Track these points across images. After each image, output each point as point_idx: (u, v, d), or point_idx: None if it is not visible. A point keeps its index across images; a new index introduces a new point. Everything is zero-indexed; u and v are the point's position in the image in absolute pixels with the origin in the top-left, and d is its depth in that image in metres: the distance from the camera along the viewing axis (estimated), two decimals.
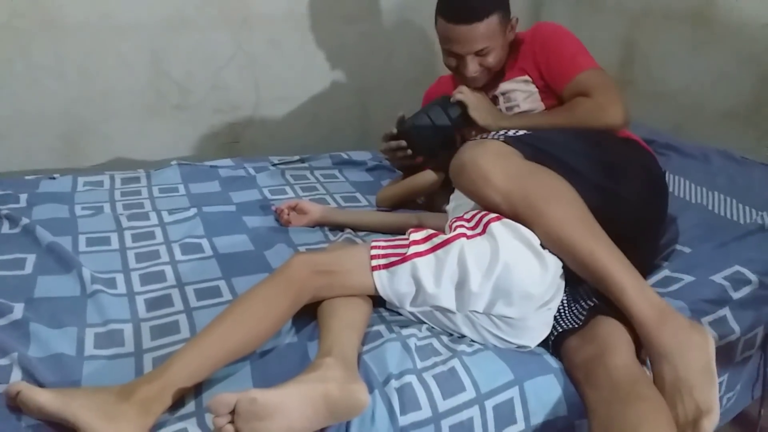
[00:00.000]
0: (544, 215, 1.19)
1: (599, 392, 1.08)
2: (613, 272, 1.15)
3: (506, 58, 1.70)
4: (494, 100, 1.75)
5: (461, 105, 1.69)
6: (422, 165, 1.83)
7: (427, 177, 1.75)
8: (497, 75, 1.72)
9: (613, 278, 1.15)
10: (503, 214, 1.24)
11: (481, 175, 1.24)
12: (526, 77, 1.69)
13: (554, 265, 1.21)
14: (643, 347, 1.15)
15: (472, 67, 1.64)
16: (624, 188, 1.32)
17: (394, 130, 1.79)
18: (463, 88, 1.69)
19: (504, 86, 1.72)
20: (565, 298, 1.26)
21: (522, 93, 1.70)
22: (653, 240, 1.48)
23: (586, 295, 1.25)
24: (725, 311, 1.28)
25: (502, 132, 1.33)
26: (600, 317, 1.20)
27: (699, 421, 1.06)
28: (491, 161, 1.24)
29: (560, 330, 1.23)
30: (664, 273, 1.40)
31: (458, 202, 1.45)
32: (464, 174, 1.27)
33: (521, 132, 1.33)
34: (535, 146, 1.29)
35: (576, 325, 1.21)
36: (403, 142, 1.78)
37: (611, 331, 1.16)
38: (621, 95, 1.56)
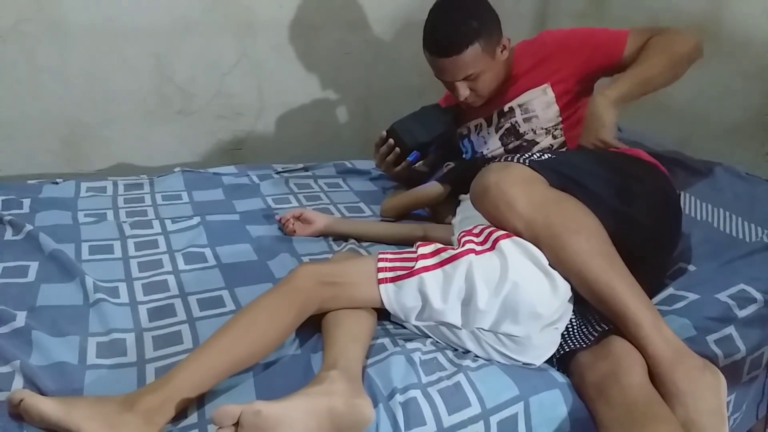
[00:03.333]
0: (566, 247, 1.18)
1: (614, 411, 1.07)
2: (631, 308, 1.15)
3: (504, 75, 1.72)
4: (510, 112, 1.75)
5: (452, 109, 1.77)
6: (415, 168, 1.88)
7: (433, 189, 1.75)
8: (510, 88, 1.74)
9: (630, 314, 1.15)
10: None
11: (505, 201, 1.22)
12: (545, 86, 1.70)
13: (564, 285, 1.21)
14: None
15: (462, 92, 1.68)
16: (640, 212, 1.32)
17: (383, 133, 1.88)
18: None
19: (521, 98, 1.73)
20: (574, 317, 1.25)
21: (540, 102, 1.71)
22: (664, 261, 1.48)
23: (597, 318, 1.23)
24: (731, 329, 1.27)
25: (525, 156, 1.31)
26: (612, 335, 1.19)
27: None
28: (516, 187, 1.23)
29: (567, 349, 1.22)
30: (669, 291, 1.39)
31: (465, 215, 1.45)
32: (488, 198, 1.25)
33: (545, 156, 1.32)
34: (559, 172, 1.28)
35: (584, 345, 1.20)
36: (392, 142, 1.85)
37: (625, 349, 1.15)
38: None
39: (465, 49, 1.59)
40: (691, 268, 1.49)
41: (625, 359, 1.13)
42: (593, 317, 1.24)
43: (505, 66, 1.71)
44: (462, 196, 1.64)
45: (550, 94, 1.70)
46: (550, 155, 1.34)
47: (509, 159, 1.32)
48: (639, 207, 1.32)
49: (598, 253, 1.18)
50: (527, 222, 1.21)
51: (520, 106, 1.73)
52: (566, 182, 1.27)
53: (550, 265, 1.21)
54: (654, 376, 1.12)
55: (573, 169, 1.31)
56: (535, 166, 1.27)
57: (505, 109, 1.77)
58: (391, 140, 1.86)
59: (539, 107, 1.71)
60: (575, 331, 1.24)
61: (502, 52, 1.68)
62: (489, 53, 1.64)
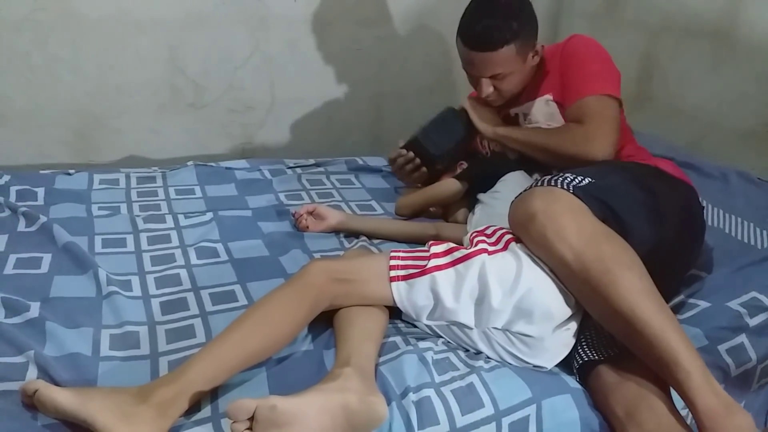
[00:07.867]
0: (619, 282, 1.11)
1: None
2: (683, 355, 1.07)
3: (529, 81, 1.72)
4: (515, 118, 1.76)
5: (466, 113, 1.76)
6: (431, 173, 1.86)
7: (450, 186, 1.75)
8: (521, 94, 1.73)
9: (683, 361, 1.07)
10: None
11: (556, 230, 1.16)
12: (548, 96, 1.69)
13: None
14: None
15: (486, 89, 1.68)
16: (669, 233, 1.29)
17: (400, 147, 1.86)
18: (468, 97, 1.78)
19: (526, 106, 1.72)
20: (593, 323, 1.23)
21: (542, 114, 1.70)
22: (684, 274, 1.46)
23: None
24: (742, 338, 1.27)
25: (566, 177, 1.25)
26: (634, 356, 1.15)
27: None
28: (566, 216, 1.17)
29: (586, 359, 1.20)
30: (680, 298, 1.39)
31: (485, 212, 1.44)
32: (535, 225, 1.18)
33: (586, 180, 1.25)
34: (600, 200, 1.22)
35: (602, 357, 1.18)
36: (411, 154, 1.83)
37: (651, 372, 1.13)
38: (613, 128, 1.54)
39: (500, 47, 1.59)
40: (703, 274, 1.48)
41: (653, 383, 1.11)
42: None
43: (532, 71, 1.71)
44: (481, 196, 1.64)
45: (553, 106, 1.69)
46: (590, 179, 1.26)
47: (551, 182, 1.25)
48: (668, 228, 1.30)
49: (651, 293, 1.12)
50: (577, 253, 1.14)
51: (524, 114, 1.73)
52: (606, 212, 1.23)
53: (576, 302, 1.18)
54: (701, 429, 1.06)
55: (613, 196, 1.25)
56: (579, 193, 1.21)
57: (512, 114, 1.77)
58: (410, 153, 1.84)
59: (541, 118, 1.70)
60: (594, 341, 1.21)
61: (533, 57, 1.68)
62: (522, 56, 1.63)
